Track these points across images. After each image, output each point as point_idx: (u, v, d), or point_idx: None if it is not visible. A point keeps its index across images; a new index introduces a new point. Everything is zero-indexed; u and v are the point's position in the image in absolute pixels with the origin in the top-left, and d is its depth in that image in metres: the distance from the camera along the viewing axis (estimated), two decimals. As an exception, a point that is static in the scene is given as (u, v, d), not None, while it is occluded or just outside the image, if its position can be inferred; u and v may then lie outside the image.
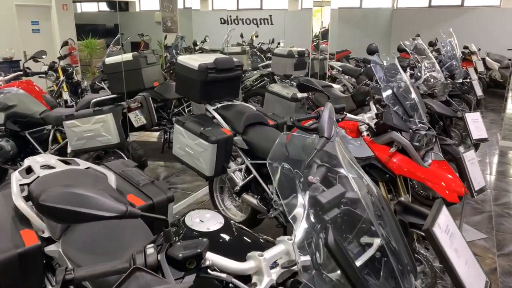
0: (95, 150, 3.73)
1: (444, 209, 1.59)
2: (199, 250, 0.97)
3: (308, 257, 1.07)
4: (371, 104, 3.02)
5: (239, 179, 3.05)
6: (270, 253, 1.08)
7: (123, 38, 7.59)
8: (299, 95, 4.83)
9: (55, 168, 1.90)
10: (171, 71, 5.93)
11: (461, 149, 4.67)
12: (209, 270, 1.03)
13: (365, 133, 2.84)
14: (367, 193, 1.24)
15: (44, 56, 5.09)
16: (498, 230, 3.55)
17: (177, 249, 0.98)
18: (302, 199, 1.14)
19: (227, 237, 1.24)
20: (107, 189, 1.78)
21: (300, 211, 1.12)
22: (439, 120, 4.54)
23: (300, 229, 1.08)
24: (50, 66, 5.37)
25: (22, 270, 1.50)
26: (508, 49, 9.38)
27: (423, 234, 2.23)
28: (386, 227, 1.19)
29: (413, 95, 2.91)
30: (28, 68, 4.88)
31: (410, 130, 2.75)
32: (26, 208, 1.63)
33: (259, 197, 2.99)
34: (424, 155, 2.78)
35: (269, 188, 2.89)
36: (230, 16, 12.41)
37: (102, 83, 5.87)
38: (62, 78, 5.37)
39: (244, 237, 1.29)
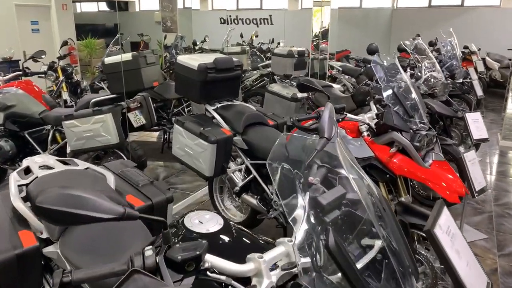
0: (94, 150, 3.72)
1: (445, 210, 1.58)
2: (198, 252, 0.96)
3: (308, 259, 1.06)
4: (372, 104, 3.01)
5: (239, 179, 3.04)
6: (270, 255, 1.07)
7: (123, 38, 7.57)
8: (299, 95, 4.82)
9: (53, 168, 1.89)
10: (171, 71, 5.92)
11: (461, 149, 4.66)
12: (208, 272, 1.02)
13: (365, 133, 2.83)
14: (368, 194, 1.23)
15: (43, 56, 5.08)
16: (498, 230, 3.54)
17: (176, 251, 0.97)
18: (302, 201, 1.13)
19: (226, 239, 1.22)
20: (106, 189, 1.77)
21: (300, 213, 1.10)
22: (439, 120, 4.53)
23: (300, 231, 1.07)
24: (49, 66, 5.36)
25: (20, 271, 1.49)
26: (508, 49, 9.37)
27: (423, 234, 2.23)
28: (387, 228, 1.18)
29: (414, 95, 2.90)
30: (27, 68, 4.87)
31: (411, 130, 2.74)
32: (24, 209, 1.62)
33: (259, 197, 2.98)
34: (425, 155, 2.77)
35: (269, 189, 2.88)
36: (230, 16, 12.39)
37: (102, 83, 5.86)
38: (61, 78, 5.36)
39: (244, 239, 1.28)
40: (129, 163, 2.27)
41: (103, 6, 12.85)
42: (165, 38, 6.60)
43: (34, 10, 8.06)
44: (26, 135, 3.91)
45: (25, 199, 1.68)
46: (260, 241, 1.31)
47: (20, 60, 6.51)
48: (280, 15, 11.98)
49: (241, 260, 1.08)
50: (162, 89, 4.89)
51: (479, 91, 6.01)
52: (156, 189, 1.96)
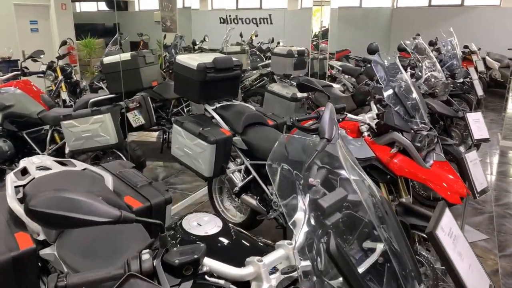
0: (93, 150, 3.70)
1: (447, 212, 1.56)
2: (196, 256, 0.94)
3: (308, 263, 1.04)
4: (372, 104, 3.00)
5: (238, 179, 3.02)
6: (269, 258, 1.04)
7: (122, 38, 7.55)
8: (299, 95, 4.80)
9: (51, 169, 1.87)
10: (170, 71, 5.90)
11: (461, 149, 4.65)
12: (206, 277, 1.00)
13: (366, 134, 2.81)
14: (369, 195, 1.21)
15: (42, 56, 5.06)
16: (499, 231, 3.52)
17: (173, 254, 0.95)
18: (302, 203, 1.11)
19: (225, 241, 1.20)
20: (104, 190, 1.75)
21: (300, 216, 1.08)
22: (440, 120, 4.52)
23: (301, 234, 1.05)
24: (48, 66, 5.34)
25: (17, 274, 1.47)
26: (508, 49, 9.36)
27: (424, 235, 2.21)
28: (389, 231, 1.16)
29: (415, 95, 2.88)
30: (25, 67, 4.85)
31: (412, 131, 2.72)
32: (20, 211, 1.60)
33: (258, 198, 2.96)
34: (426, 155, 2.75)
35: (268, 189, 2.86)
36: (230, 16, 12.37)
37: (101, 82, 5.84)
38: (60, 77, 5.34)
39: (243, 241, 1.26)
40: (128, 163, 2.26)
41: (103, 6, 12.82)
42: (164, 37, 6.58)
43: (33, 10, 8.03)
44: (25, 135, 3.89)
45: (21, 201, 1.66)
46: (260, 243, 1.29)
47: (19, 60, 6.49)
48: (279, 14, 11.96)
49: (240, 263, 1.06)
50: (161, 89, 4.87)
51: (480, 91, 5.99)
52: (155, 190, 1.95)
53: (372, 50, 4.45)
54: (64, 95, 5.32)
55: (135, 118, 3.70)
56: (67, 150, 3.68)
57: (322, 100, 4.74)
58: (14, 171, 1.85)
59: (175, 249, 0.97)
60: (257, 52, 7.80)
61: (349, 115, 2.68)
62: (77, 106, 3.66)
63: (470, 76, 6.12)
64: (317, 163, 1.34)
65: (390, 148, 2.71)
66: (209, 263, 1.00)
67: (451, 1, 11.71)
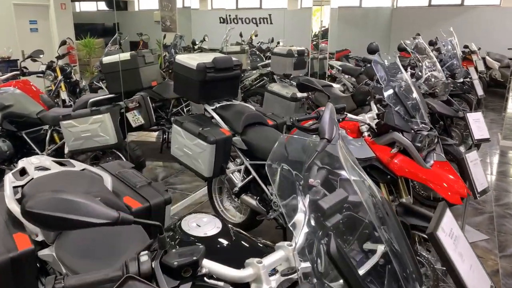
0: (92, 150, 3.69)
1: (448, 212, 1.55)
2: (195, 258, 0.93)
3: (308, 264, 1.03)
4: (372, 104, 2.99)
5: (238, 180, 3.01)
6: (269, 259, 1.03)
7: (122, 38, 7.54)
8: (299, 94, 4.79)
9: (49, 169, 1.87)
10: (170, 71, 5.89)
11: (461, 149, 4.64)
12: (205, 278, 0.99)
13: (366, 134, 2.80)
14: (370, 196, 1.20)
15: (41, 56, 5.05)
16: (499, 231, 3.51)
17: (172, 256, 0.94)
18: (302, 204, 1.10)
19: (224, 243, 1.20)
20: (103, 191, 1.74)
21: (300, 217, 1.07)
22: (440, 119, 4.51)
23: (301, 235, 1.04)
24: (48, 66, 5.33)
25: (15, 275, 1.46)
26: (508, 49, 9.36)
27: (425, 236, 2.20)
28: (390, 232, 1.15)
29: (415, 95, 2.87)
30: (25, 67, 4.84)
31: (412, 131, 2.71)
32: (19, 211, 1.59)
33: (258, 198, 2.95)
34: (426, 156, 2.74)
35: (268, 189, 2.85)
36: (229, 15, 12.37)
37: (100, 82, 5.83)
38: (60, 77, 5.33)
39: (242, 242, 1.25)
40: (127, 164, 2.25)
41: (102, 6, 12.80)
42: (164, 37, 6.58)
43: (33, 10, 8.02)
44: (24, 135, 3.88)
45: (20, 201, 1.65)
46: (259, 244, 1.28)
47: (18, 59, 6.48)
48: (279, 14, 11.96)
49: (240, 264, 1.05)
50: (161, 89, 4.86)
51: (480, 91, 5.98)
52: (154, 191, 1.94)
53: (372, 50, 4.45)
54: (64, 95, 5.31)
55: (135, 118, 3.69)
56: (66, 150, 3.67)
57: (322, 100, 4.74)
58: (12, 171, 1.84)
59: (173, 250, 0.96)
60: (257, 52, 7.79)
61: (349, 115, 2.68)
62: (76, 106, 3.65)
63: (470, 76, 6.11)
64: (317, 164, 1.33)
65: (390, 148, 2.70)
66: (208, 264, 0.99)
67: (451, 1, 11.70)
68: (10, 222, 1.59)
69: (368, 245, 1.14)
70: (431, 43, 7.43)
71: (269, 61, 6.24)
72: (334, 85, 5.21)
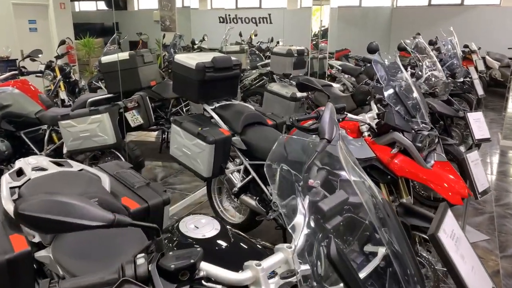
0: (91, 150, 3.68)
1: (449, 213, 1.54)
2: (192, 261, 0.91)
3: (308, 266, 1.01)
4: (372, 103, 2.97)
5: (238, 180, 3.00)
6: (268, 262, 1.02)
7: (121, 37, 7.53)
8: (299, 94, 4.78)
9: (47, 170, 1.85)
10: (169, 70, 5.88)
11: (462, 148, 4.62)
12: (203, 282, 0.97)
13: (366, 134, 2.78)
14: (370, 198, 1.18)
15: (40, 55, 5.04)
16: (500, 231, 3.50)
17: (169, 259, 0.92)
18: (301, 206, 1.08)
19: (223, 245, 1.18)
20: (100, 191, 1.73)
21: (299, 220, 1.05)
22: (440, 119, 4.49)
23: (300, 238, 1.02)
24: (47, 65, 5.31)
25: (11, 276, 1.44)
26: (508, 48, 9.34)
27: (425, 236, 2.19)
28: (391, 234, 1.13)
29: (415, 94, 2.86)
30: (23, 67, 4.83)
31: (412, 131, 2.69)
32: None
33: (258, 198, 2.94)
34: (427, 156, 2.72)
35: (268, 190, 2.84)
36: (229, 15, 12.35)
37: (100, 82, 5.82)
38: (59, 77, 5.31)
39: (241, 244, 1.24)
40: (125, 164, 2.23)
41: (102, 5, 12.79)
42: (163, 37, 6.57)
43: (32, 9, 8.00)
44: (22, 135, 3.86)
45: None
46: (258, 246, 1.26)
47: (17, 59, 6.47)
48: (279, 14, 11.94)
49: (238, 267, 1.03)
50: (160, 89, 4.85)
51: (480, 90, 5.96)
52: (152, 191, 1.92)
53: (372, 50, 4.43)
54: (63, 94, 5.30)
55: (134, 118, 3.68)
56: (65, 150, 3.66)
57: (322, 99, 4.72)
58: (9, 171, 1.83)
59: (171, 253, 0.94)
60: (257, 52, 7.78)
61: (349, 115, 2.66)
62: (75, 106, 3.64)
63: (470, 76, 6.09)
64: (317, 164, 1.31)
65: (390, 148, 2.68)
66: (206, 267, 0.97)
67: (451, 0, 11.69)
68: (6, 223, 1.58)
69: (368, 248, 1.12)
70: (431, 43, 7.41)
71: (269, 60, 6.23)
72: (334, 84, 5.20)
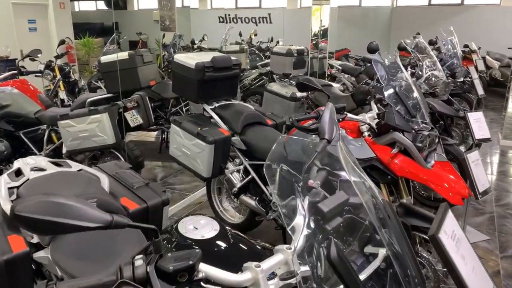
0: (90, 150, 3.67)
1: (450, 214, 1.53)
2: (191, 262, 0.90)
3: (307, 267, 1.00)
4: (372, 103, 2.96)
5: (237, 180, 2.99)
6: (267, 263, 1.01)
7: (121, 37, 7.52)
8: (299, 94, 4.77)
9: (45, 170, 1.84)
10: (169, 70, 5.87)
11: (462, 148, 4.62)
12: (202, 283, 0.96)
13: (366, 134, 2.77)
14: (371, 198, 1.17)
15: (39, 55, 5.03)
16: (500, 231, 3.49)
17: (168, 260, 0.91)
18: (301, 207, 1.07)
19: (222, 246, 1.17)
20: (99, 192, 1.72)
21: (299, 221, 1.04)
22: (440, 119, 4.49)
23: (300, 239, 1.01)
24: (46, 65, 5.31)
25: (10, 277, 1.44)
26: (508, 48, 9.33)
27: (425, 237, 2.18)
28: (391, 235, 1.12)
29: (416, 94, 2.85)
30: (22, 67, 4.82)
31: (413, 131, 2.68)
32: None
33: (257, 198, 2.93)
34: (427, 156, 2.71)
35: (267, 190, 2.83)
36: (229, 15, 12.34)
37: (99, 82, 5.81)
38: (58, 77, 5.31)
39: (240, 245, 1.23)
40: (124, 164, 2.23)
41: (101, 5, 12.78)
42: (163, 37, 6.56)
43: (31, 9, 7.99)
44: (22, 135, 3.86)
45: None
46: (258, 247, 1.25)
47: (17, 59, 6.46)
48: (279, 13, 11.93)
49: (237, 268, 1.02)
50: (159, 88, 4.84)
51: (480, 90, 5.96)
52: (152, 191, 1.92)
53: (372, 49, 4.43)
54: (62, 94, 5.29)
55: (133, 118, 3.67)
56: (64, 150, 3.65)
57: (322, 99, 4.71)
58: (7, 172, 1.82)
59: (169, 254, 0.93)
60: (256, 51, 7.77)
61: (349, 115, 2.65)
62: (74, 106, 3.63)
63: (470, 75, 6.08)
64: (317, 164, 1.30)
65: (390, 149, 2.67)
66: (205, 269, 0.96)
67: (451, 0, 11.68)
68: (5, 223, 1.57)
69: (369, 249, 1.11)
70: (431, 43, 7.40)
71: (269, 60, 6.22)
72: (334, 84, 5.18)
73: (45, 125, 3.85)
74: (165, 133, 5.30)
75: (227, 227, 1.26)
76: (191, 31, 7.20)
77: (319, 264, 1.00)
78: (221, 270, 0.97)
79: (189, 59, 2.96)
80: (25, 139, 3.86)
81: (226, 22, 11.91)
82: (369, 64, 5.63)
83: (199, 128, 2.81)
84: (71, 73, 5.69)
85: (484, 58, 8.64)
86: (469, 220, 3.62)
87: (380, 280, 1.08)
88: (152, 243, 0.96)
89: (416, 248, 2.28)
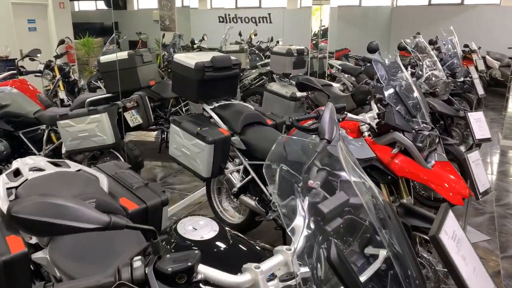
0: (90, 150, 3.66)
1: (450, 214, 1.52)
2: (190, 264, 0.90)
3: (307, 269, 1.00)
4: (372, 103, 2.95)
5: (237, 180, 2.98)
6: (267, 264, 1.00)
7: (121, 37, 7.51)
8: (298, 94, 4.76)
9: (44, 170, 1.83)
10: (169, 70, 5.86)
11: (462, 148, 4.61)
12: (201, 285, 0.95)
13: (366, 134, 2.76)
14: (371, 199, 1.17)
15: (38, 55, 5.02)
16: (501, 231, 3.48)
17: (166, 262, 0.90)
18: (301, 208, 1.07)
19: (221, 246, 1.16)
20: (98, 192, 1.71)
21: (299, 222, 1.04)
22: (440, 119, 4.48)
23: (300, 240, 1.00)
24: (46, 65, 5.30)
25: (8, 278, 1.43)
26: (508, 48, 9.33)
27: (426, 237, 2.17)
28: (392, 235, 1.11)
29: (416, 94, 2.84)
30: (22, 66, 4.81)
31: (413, 131, 2.68)
32: None
33: (257, 198, 2.92)
34: (427, 156, 2.70)
35: (267, 190, 2.82)
36: (229, 15, 12.33)
37: (99, 82, 5.81)
38: (58, 77, 5.30)
39: (240, 246, 1.22)
40: (124, 164, 2.22)
41: (101, 5, 12.77)
42: (163, 36, 6.55)
43: (31, 9, 7.98)
44: (21, 135, 3.85)
45: None
46: (257, 247, 1.25)
47: (16, 59, 6.45)
48: (279, 13, 11.92)
49: (237, 269, 1.02)
50: (159, 88, 4.83)
51: (480, 90, 5.95)
52: (151, 192, 1.91)
53: (372, 49, 4.41)
54: (62, 94, 5.28)
55: (133, 117, 3.66)
56: (63, 150, 3.64)
57: (322, 99, 4.70)
58: (6, 172, 1.81)
59: (168, 256, 0.92)
60: (256, 51, 7.76)
61: (349, 115, 2.64)
62: (74, 106, 3.62)
63: (470, 75, 6.08)
64: (317, 165, 1.29)
65: (391, 149, 2.66)
66: (204, 270, 0.95)
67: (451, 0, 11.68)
68: (3, 224, 1.56)
69: (369, 250, 1.10)
70: (431, 42, 7.39)
71: (269, 60, 6.21)
72: (334, 84, 5.18)
73: (44, 125, 3.84)
74: (165, 133, 5.29)
75: (226, 228, 1.25)
76: (191, 31, 7.20)
77: (319, 265, 0.99)
78: (220, 272, 0.96)
79: (189, 59, 2.95)
80: (25, 139, 3.85)
81: (226, 22, 11.90)
82: (369, 64, 5.62)
83: (199, 128, 2.80)
84: (71, 73, 5.68)
85: (484, 58, 8.64)
86: (469, 220, 3.61)
87: (380, 281, 1.07)
88: (150, 244, 0.95)
89: (416, 248, 2.27)
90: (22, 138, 3.85)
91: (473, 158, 2.83)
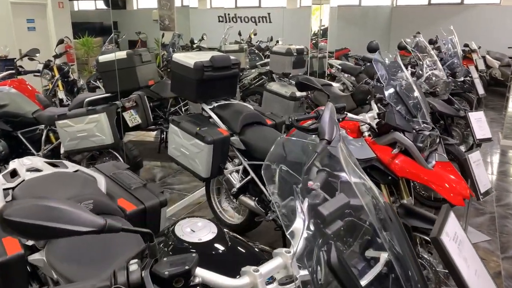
0: (88, 150, 3.65)
1: (452, 215, 1.50)
2: (187, 267, 0.88)
3: (307, 272, 0.98)
4: (373, 103, 2.93)
5: (236, 180, 2.96)
6: (266, 267, 0.98)
7: (120, 36, 7.49)
8: (298, 94, 4.74)
9: (42, 171, 1.82)
10: (168, 69, 5.84)
11: (462, 148, 4.59)
12: None
13: (366, 134, 2.74)
14: (372, 200, 1.15)
15: (37, 54, 5.00)
16: (501, 232, 3.47)
17: (163, 265, 0.89)
18: (300, 210, 1.05)
19: (220, 249, 1.15)
20: (96, 193, 1.70)
21: (298, 225, 1.02)
22: (440, 119, 4.46)
23: (299, 242, 0.98)
24: (45, 65, 5.28)
25: (4, 280, 1.41)
26: (508, 47, 9.31)
27: (426, 238, 2.16)
28: (393, 237, 1.10)
29: (416, 94, 2.82)
30: (20, 66, 4.79)
31: (414, 131, 2.66)
32: None
33: (256, 199, 2.91)
34: (428, 156, 2.68)
35: (267, 190, 2.80)
36: (228, 14, 12.31)
37: (98, 81, 5.79)
38: (57, 76, 5.28)
39: (239, 248, 1.20)
40: (122, 165, 2.20)
41: (101, 4, 12.74)
42: (162, 36, 6.53)
43: (30, 8, 7.96)
44: (19, 135, 3.83)
45: None
46: (256, 249, 1.23)
47: (15, 58, 6.43)
48: (278, 13, 11.90)
49: (235, 272, 1.00)
50: (158, 88, 4.81)
51: (480, 90, 5.92)
52: (149, 192, 1.89)
53: (372, 49, 4.37)
54: (61, 94, 5.27)
55: (132, 117, 3.64)
56: (62, 150, 3.63)
57: (322, 99, 4.69)
58: (3, 172, 1.79)
59: (165, 259, 0.91)
60: (256, 51, 7.74)
61: (350, 115, 2.62)
62: (72, 106, 3.60)
63: (470, 75, 6.05)
64: (316, 165, 1.28)
65: (391, 149, 2.64)
66: (202, 273, 0.94)
67: (451, -1, 11.68)
68: None
69: (370, 253, 1.09)
70: (431, 42, 7.37)
71: (268, 60, 6.20)
72: (334, 84, 5.16)
73: (43, 125, 3.82)
74: (164, 133, 5.27)
75: (225, 230, 1.24)
76: (190, 31, 7.18)
77: (319, 268, 0.98)
78: (218, 275, 0.95)
79: (188, 59, 2.93)
80: (23, 139, 3.83)
81: (226, 22, 11.88)
82: (369, 64, 5.60)
83: (198, 128, 2.78)
84: (70, 73, 5.66)
85: (484, 58, 8.61)
86: (470, 220, 3.60)
87: (381, 284, 1.05)
88: (147, 247, 0.93)
89: (417, 249, 2.25)
90: (21, 138, 3.83)
91: (474, 158, 2.81)
